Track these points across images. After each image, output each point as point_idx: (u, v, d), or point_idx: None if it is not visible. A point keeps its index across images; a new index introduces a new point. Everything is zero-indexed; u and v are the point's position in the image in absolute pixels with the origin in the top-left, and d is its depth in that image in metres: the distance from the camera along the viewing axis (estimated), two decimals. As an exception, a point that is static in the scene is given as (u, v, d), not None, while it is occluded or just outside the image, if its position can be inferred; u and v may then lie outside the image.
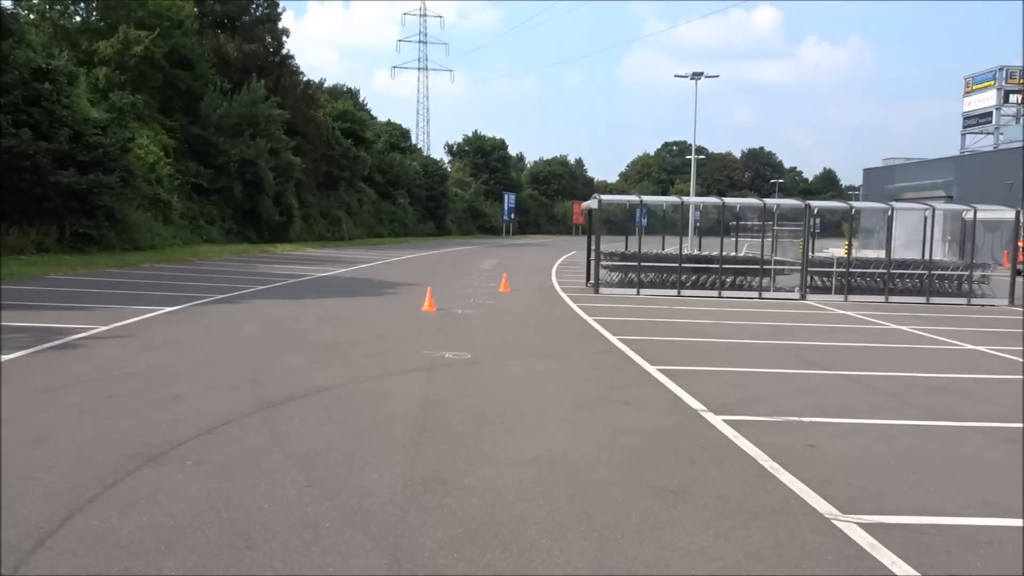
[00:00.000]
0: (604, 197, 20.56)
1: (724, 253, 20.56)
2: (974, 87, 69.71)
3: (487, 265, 30.67)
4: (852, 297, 19.52)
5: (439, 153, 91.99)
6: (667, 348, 11.27)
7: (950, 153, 62.69)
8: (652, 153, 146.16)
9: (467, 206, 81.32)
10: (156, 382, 8.02)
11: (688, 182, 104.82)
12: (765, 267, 19.83)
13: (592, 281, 20.59)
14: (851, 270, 19.89)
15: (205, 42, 40.64)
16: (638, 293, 19.46)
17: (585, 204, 22.20)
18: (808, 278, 19.78)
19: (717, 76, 36.73)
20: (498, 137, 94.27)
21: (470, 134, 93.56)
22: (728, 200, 21.68)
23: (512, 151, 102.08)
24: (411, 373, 8.92)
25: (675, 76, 37.30)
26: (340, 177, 53.66)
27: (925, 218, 20.37)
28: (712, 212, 24.11)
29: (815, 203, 20.91)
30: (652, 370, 9.37)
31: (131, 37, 33.16)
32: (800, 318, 15.74)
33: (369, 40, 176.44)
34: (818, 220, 23.30)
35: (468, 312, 14.91)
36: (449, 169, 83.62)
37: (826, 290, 19.97)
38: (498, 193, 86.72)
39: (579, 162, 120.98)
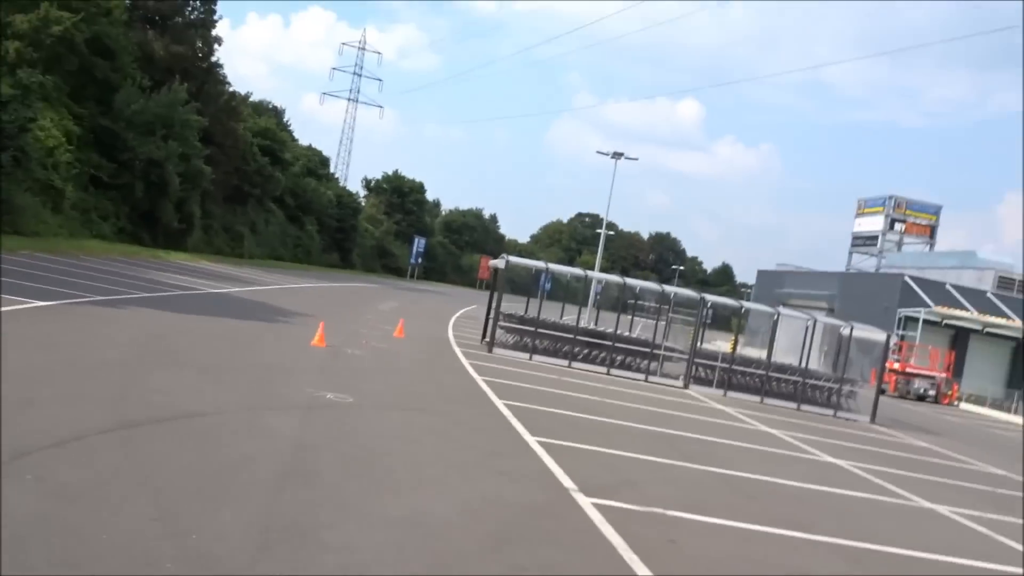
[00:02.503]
0: (512, 259, 20.81)
1: (618, 332, 21.05)
2: (865, 210, 74.68)
3: (386, 307, 30.36)
4: (731, 393, 20.25)
5: (356, 186, 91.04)
6: (550, 420, 11.36)
7: (836, 267, 66.80)
8: (565, 221, 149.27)
9: (376, 243, 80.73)
10: (11, 382, 7.49)
11: (594, 254, 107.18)
12: (655, 351, 20.39)
13: (488, 339, 20.65)
14: (734, 367, 20.70)
15: (132, 35, 39.35)
16: (530, 358, 19.62)
17: (493, 262, 22.40)
18: (693, 368, 20.45)
19: (636, 159, 38.07)
20: (417, 180, 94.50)
21: (391, 172, 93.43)
22: (630, 280, 22.30)
23: (429, 196, 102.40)
24: (289, 410, 8.67)
25: (597, 152, 38.65)
26: (250, 193, 52.47)
27: (807, 328, 21.48)
28: (613, 289, 24.78)
29: (710, 296, 21.78)
30: (532, 441, 9.41)
31: (52, 16, 31.77)
32: (681, 408, 16.20)
33: (303, 62, 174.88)
34: (711, 312, 24.37)
35: (358, 353, 14.67)
36: (363, 204, 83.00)
37: (708, 383, 20.66)
38: (409, 235, 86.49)
39: (493, 217, 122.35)
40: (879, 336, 21.91)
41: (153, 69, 40.07)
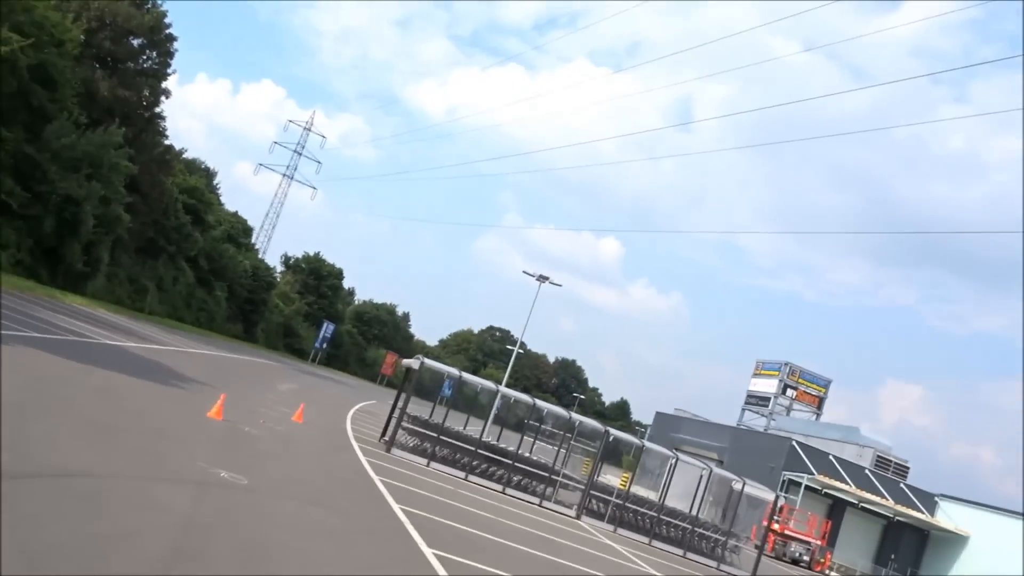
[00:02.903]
0: (428, 361, 20.59)
1: (520, 451, 20.88)
2: (762, 371, 77.63)
3: (286, 388, 29.40)
4: (621, 530, 20.17)
5: (275, 261, 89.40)
6: (447, 532, 11.04)
7: (729, 420, 68.72)
8: (476, 331, 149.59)
9: (283, 321, 78.76)
10: None
11: (499, 368, 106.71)
12: (553, 477, 20.26)
13: (387, 439, 20.16)
14: (627, 504, 20.69)
15: (79, 71, 38.69)
16: (428, 464, 19.18)
17: (407, 361, 22.11)
18: (588, 500, 20.36)
19: (560, 285, 39.02)
20: (337, 266, 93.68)
21: (312, 253, 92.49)
22: (539, 403, 22.33)
23: (346, 283, 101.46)
24: (181, 484, 8.18)
25: (523, 272, 39.32)
26: (164, 249, 50.89)
27: (701, 476, 21.84)
28: (521, 408, 24.74)
29: (614, 431, 21.97)
30: (428, 553, 9.11)
31: (2, 36, 31.06)
32: (572, 538, 16.01)
33: (243, 130, 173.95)
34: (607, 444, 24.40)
35: (255, 433, 14.06)
36: (279, 279, 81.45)
37: (600, 516, 20.57)
38: (318, 319, 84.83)
39: (406, 316, 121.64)
40: (768, 495, 22.42)
41: (94, 108, 39.23)
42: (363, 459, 16.07)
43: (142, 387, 15.08)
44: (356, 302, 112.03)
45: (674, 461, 21.66)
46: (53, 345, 16.09)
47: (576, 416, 21.17)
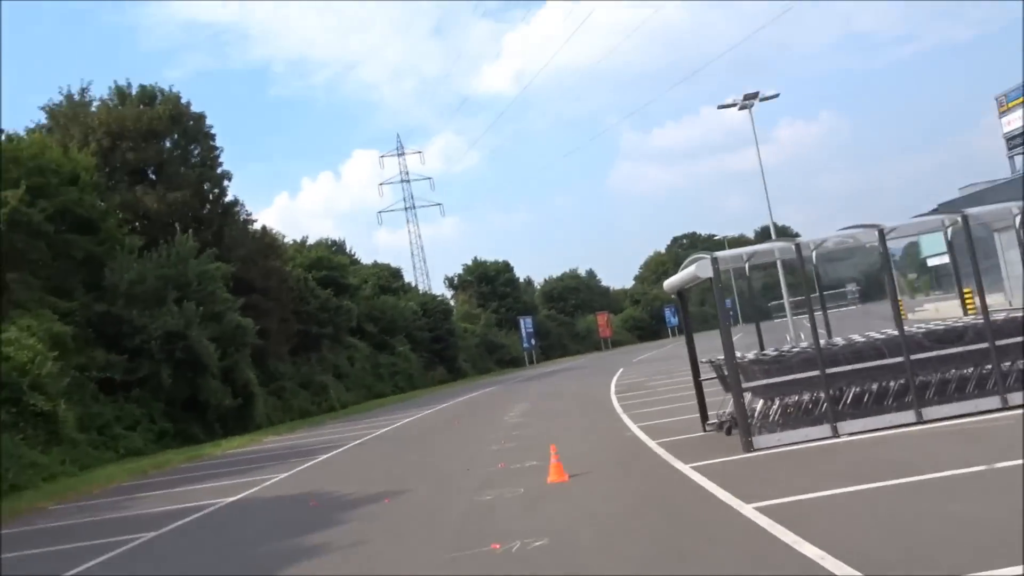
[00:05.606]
0: (721, 254, 10.39)
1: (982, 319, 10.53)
2: (1008, 105, 61.64)
3: (514, 416, 20.70)
4: None
5: (440, 290, 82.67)
6: None
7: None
8: (663, 251, 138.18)
9: (479, 340, 71.33)
10: None
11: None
12: (999, 343, 9.72)
13: (719, 418, 10.64)
14: None
15: (116, 196, 32.42)
16: (836, 435, 9.41)
17: (672, 281, 12.11)
18: None
19: (777, 96, 28.59)
20: (501, 260, 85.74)
21: (469, 263, 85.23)
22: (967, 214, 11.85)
23: (519, 274, 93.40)
24: None
25: (718, 107, 28.48)
26: (321, 335, 44.39)
27: None
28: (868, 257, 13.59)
29: (971, 210, 11.19)
30: None
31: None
32: None
33: (362, 204, 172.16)
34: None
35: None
36: (453, 304, 74.55)
37: None
38: (512, 320, 77.11)
39: (591, 273, 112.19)
40: None
41: (153, 227, 32.93)
42: (740, 506, 6.49)
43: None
44: (538, 286, 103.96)
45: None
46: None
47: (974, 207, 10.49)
